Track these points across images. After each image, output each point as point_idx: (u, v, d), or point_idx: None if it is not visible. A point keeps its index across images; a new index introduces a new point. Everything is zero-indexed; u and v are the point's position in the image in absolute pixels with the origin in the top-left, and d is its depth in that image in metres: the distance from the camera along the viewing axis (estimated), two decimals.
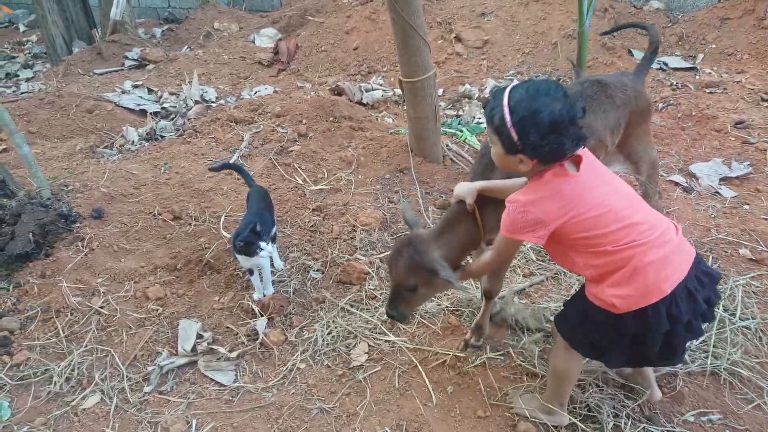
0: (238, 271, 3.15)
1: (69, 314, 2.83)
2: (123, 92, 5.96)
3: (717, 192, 3.91)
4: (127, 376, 2.53)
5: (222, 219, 3.56)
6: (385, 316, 2.54)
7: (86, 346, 2.67)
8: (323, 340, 2.72)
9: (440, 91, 6.05)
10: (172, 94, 6.04)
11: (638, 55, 6.47)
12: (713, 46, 6.62)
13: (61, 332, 2.72)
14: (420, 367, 2.53)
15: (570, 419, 2.18)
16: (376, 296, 3.01)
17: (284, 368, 2.59)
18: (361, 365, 2.58)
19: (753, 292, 2.87)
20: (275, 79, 7.02)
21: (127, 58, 7.47)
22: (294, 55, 7.46)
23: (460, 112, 5.51)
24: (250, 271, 2.92)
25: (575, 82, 2.72)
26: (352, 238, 3.47)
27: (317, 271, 3.23)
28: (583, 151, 1.77)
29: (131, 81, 6.34)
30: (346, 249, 3.38)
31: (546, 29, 6.88)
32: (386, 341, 2.70)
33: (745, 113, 4.96)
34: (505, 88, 1.70)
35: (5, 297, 2.88)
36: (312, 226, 3.60)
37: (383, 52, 7.13)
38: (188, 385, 2.52)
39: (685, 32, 6.87)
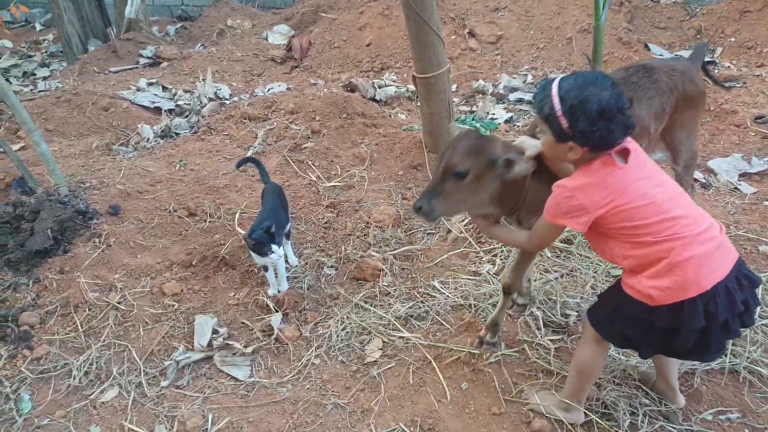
0: (253, 268, 3.17)
1: (87, 309, 2.87)
2: (138, 90, 6.01)
3: (736, 188, 3.85)
4: (144, 371, 2.57)
5: (237, 215, 3.58)
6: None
7: (104, 341, 2.71)
8: (337, 336, 2.73)
9: (453, 87, 6.01)
10: (186, 91, 6.08)
11: (654, 49, 6.38)
12: (732, 39, 6.50)
13: (79, 327, 2.77)
14: (434, 364, 2.53)
15: (587, 416, 2.17)
16: (389, 293, 3.01)
17: (299, 364, 2.60)
18: (375, 361, 2.58)
19: None
20: (288, 76, 7.03)
21: (141, 56, 7.52)
22: (307, 52, 7.47)
23: (474, 108, 5.47)
24: (265, 267, 2.93)
25: (621, 68, 2.63)
26: (365, 234, 3.47)
27: (331, 267, 3.24)
28: (632, 145, 1.80)
29: (146, 79, 6.39)
30: (359, 245, 3.38)
31: (561, 24, 6.80)
32: (400, 337, 2.70)
33: (766, 108, 4.87)
34: (553, 80, 1.76)
35: (25, 292, 2.93)
36: (326, 222, 3.61)
37: (396, 48, 7.10)
38: (204, 379, 2.55)
39: (704, 25, 6.76)
